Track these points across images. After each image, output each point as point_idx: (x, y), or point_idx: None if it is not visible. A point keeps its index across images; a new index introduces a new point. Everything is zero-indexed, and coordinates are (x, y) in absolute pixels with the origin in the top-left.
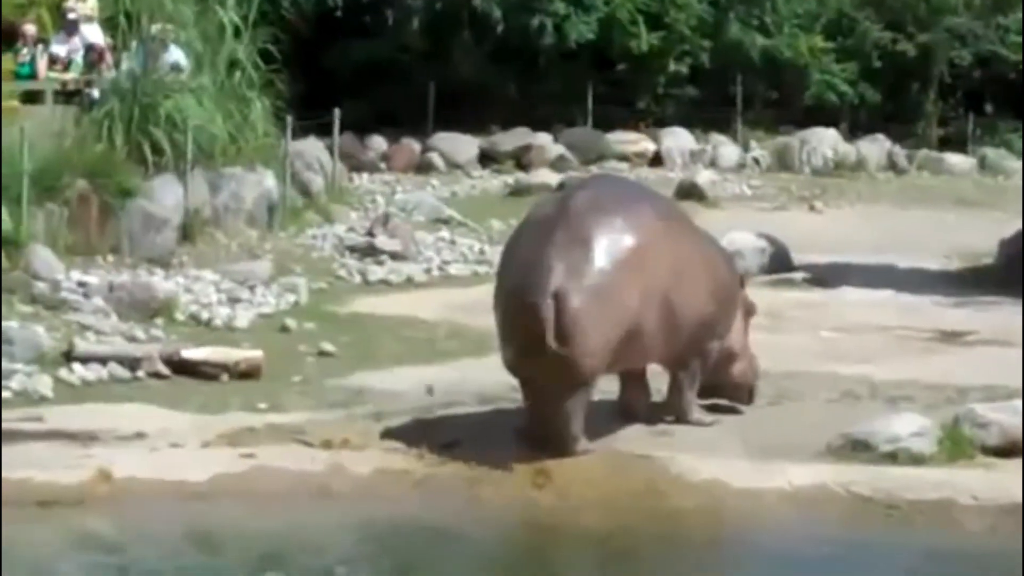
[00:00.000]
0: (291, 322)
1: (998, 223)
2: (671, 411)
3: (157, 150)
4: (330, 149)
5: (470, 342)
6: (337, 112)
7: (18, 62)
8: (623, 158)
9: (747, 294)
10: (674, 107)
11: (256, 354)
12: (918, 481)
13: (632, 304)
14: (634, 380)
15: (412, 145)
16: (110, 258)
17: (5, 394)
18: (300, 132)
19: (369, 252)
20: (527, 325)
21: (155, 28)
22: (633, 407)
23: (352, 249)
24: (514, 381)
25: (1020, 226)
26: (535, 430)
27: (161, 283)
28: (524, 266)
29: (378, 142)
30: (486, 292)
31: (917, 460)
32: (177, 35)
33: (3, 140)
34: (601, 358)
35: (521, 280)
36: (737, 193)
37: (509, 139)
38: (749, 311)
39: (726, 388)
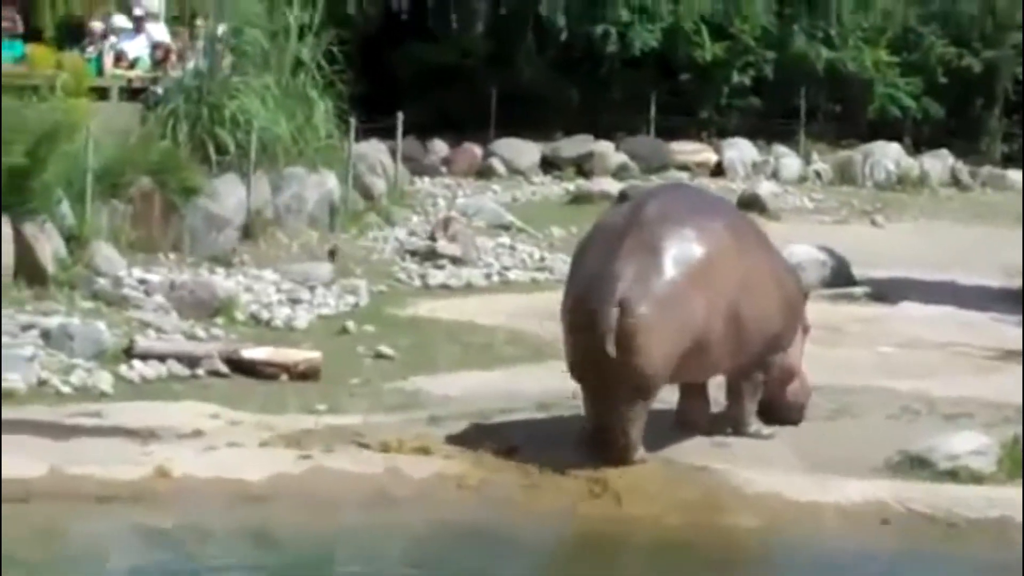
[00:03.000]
0: (350, 324)
1: None
2: (730, 423)
3: (221, 150)
4: (392, 152)
5: (528, 348)
6: (400, 115)
7: (85, 58)
8: (684, 168)
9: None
10: (737, 118)
11: (315, 355)
12: (977, 499)
13: (698, 315)
14: (694, 391)
15: (474, 150)
16: (171, 256)
17: (65, 389)
18: (363, 134)
19: (429, 256)
20: (592, 331)
21: (221, 29)
22: (692, 418)
23: (413, 253)
24: (572, 388)
25: None
26: (593, 437)
27: (222, 282)
28: (592, 273)
29: (440, 146)
30: (545, 299)
31: (976, 478)
32: (237, 35)
33: (70, 137)
34: (665, 368)
35: (588, 287)
36: (798, 206)
37: (571, 146)
38: (805, 329)
39: (780, 407)
